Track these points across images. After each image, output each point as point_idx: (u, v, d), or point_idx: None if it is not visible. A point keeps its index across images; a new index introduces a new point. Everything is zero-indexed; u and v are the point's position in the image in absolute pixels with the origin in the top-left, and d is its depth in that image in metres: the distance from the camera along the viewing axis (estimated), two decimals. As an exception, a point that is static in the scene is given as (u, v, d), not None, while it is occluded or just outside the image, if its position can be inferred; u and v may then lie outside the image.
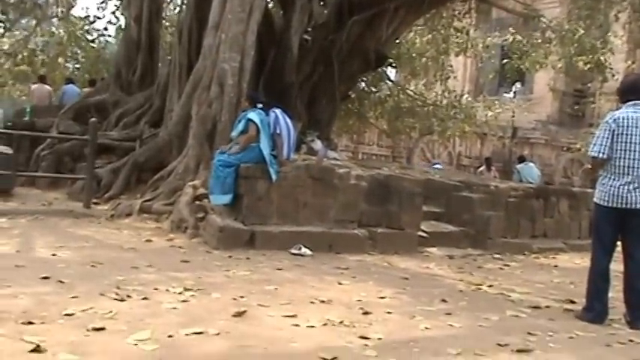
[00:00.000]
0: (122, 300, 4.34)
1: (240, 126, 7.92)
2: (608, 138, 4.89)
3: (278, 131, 7.90)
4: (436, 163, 19.45)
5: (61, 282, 4.77)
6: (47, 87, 15.95)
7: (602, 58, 15.17)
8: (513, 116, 24.77)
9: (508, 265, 8.12)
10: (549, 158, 24.91)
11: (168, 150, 10.22)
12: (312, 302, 4.83)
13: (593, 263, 5.09)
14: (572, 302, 5.61)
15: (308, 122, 11.82)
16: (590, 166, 5.28)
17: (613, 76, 15.50)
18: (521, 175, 15.41)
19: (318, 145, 10.98)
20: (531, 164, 16.75)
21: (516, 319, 4.91)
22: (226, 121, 9.10)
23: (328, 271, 6.34)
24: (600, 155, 4.91)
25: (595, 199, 5.07)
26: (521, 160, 16.96)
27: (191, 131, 9.51)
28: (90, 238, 7.13)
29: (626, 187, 4.85)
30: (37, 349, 3.16)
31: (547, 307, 5.49)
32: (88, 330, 3.58)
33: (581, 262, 8.57)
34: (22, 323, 3.61)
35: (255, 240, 7.23)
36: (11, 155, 10.22)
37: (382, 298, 5.25)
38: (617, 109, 5.11)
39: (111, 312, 4.00)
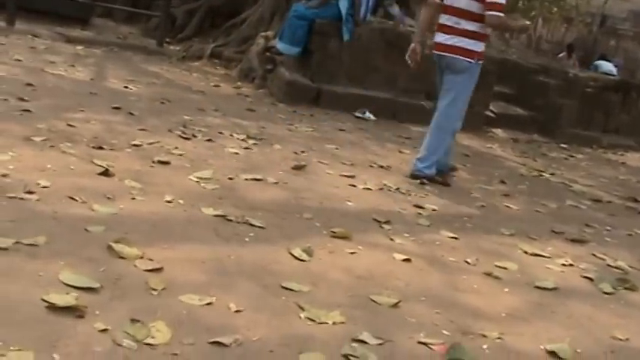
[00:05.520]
0: (187, 139, 4.45)
1: (323, -18, 7.68)
2: None
3: (356, -9, 7.64)
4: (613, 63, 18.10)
5: (131, 114, 4.90)
6: None
7: None
8: (606, 2, 23.35)
9: (574, 157, 7.91)
10: (635, 52, 23.65)
11: (244, -3, 10.07)
12: (370, 166, 4.86)
13: None
14: (636, 201, 5.49)
15: (388, -15, 11.37)
16: None
17: None
18: (598, 72, 14.62)
19: (395, 10, 10.58)
20: (610, 64, 15.77)
21: (575, 209, 4.84)
22: (306, -27, 8.81)
23: (390, 138, 6.32)
24: None
25: None
26: (602, 57, 16.08)
27: (269, -20, 9.30)
28: (160, 76, 7.23)
29: None
30: (105, 173, 3.30)
31: (609, 202, 5.37)
32: (153, 162, 3.70)
33: (651, 162, 8.32)
34: (93, 147, 3.76)
35: (321, 98, 7.19)
36: (90, -16, 10.24)
37: (441, 171, 5.23)
38: None
39: (176, 148, 4.11)
